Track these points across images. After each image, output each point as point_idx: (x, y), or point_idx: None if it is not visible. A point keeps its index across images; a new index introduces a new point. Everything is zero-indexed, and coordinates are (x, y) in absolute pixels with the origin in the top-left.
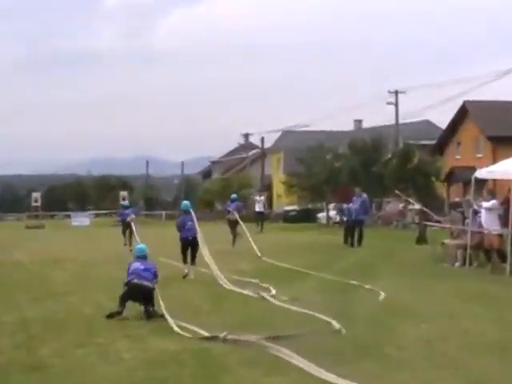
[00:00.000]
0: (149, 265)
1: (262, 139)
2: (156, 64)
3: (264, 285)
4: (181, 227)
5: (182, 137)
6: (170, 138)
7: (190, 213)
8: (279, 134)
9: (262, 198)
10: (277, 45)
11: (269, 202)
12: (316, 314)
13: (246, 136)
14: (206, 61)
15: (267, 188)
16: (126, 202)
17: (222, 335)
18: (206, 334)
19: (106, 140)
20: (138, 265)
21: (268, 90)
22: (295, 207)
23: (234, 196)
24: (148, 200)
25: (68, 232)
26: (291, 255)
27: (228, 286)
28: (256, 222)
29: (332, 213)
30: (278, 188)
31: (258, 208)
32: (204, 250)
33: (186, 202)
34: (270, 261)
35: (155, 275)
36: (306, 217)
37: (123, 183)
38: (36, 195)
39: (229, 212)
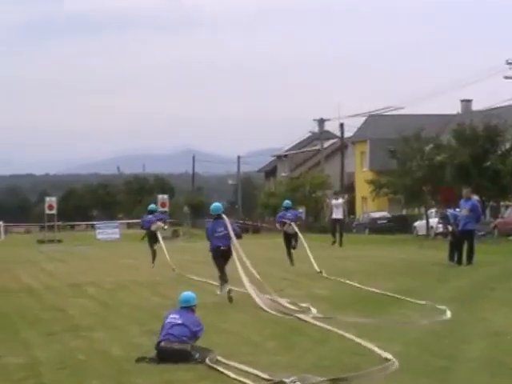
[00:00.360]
0: (189, 319)
1: (341, 126)
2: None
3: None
4: (210, 235)
5: (236, 126)
6: (221, 128)
7: (221, 217)
8: (363, 119)
9: (341, 201)
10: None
11: (350, 208)
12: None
13: (321, 122)
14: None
15: (348, 189)
16: (153, 206)
17: (289, 380)
18: (270, 378)
19: (136, 132)
20: (174, 317)
21: (348, 61)
22: (385, 214)
23: (288, 202)
24: (195, 206)
25: (92, 248)
26: (379, 276)
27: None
28: (332, 233)
29: (433, 221)
30: (363, 189)
31: (336, 215)
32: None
33: (217, 204)
34: (353, 284)
35: (194, 334)
36: (399, 226)
37: (161, 184)
38: (51, 200)
39: (284, 224)
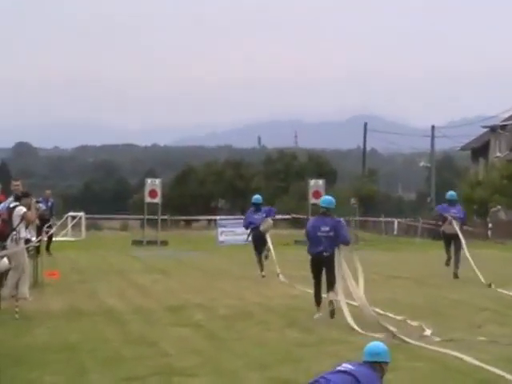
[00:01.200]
0: (365, 376)
1: None
2: None
3: None
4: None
5: (430, 83)
6: (406, 87)
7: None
8: None
9: None
10: None
11: None
12: None
13: None
14: None
15: None
16: (258, 197)
17: None
18: None
19: (282, 90)
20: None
21: None
22: None
23: (452, 194)
24: (365, 197)
25: (210, 255)
26: None
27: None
28: None
29: None
30: None
31: None
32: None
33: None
34: None
35: None
36: None
37: (317, 163)
38: (153, 184)
39: (444, 220)
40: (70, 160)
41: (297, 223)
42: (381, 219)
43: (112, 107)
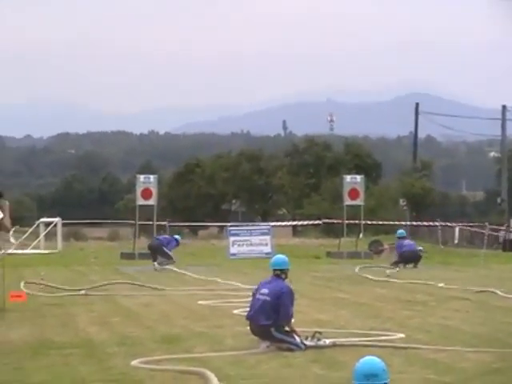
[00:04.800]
0: None
1: None
2: None
3: None
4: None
5: (491, 55)
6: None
7: (279, 276)
8: None
9: None
10: None
11: None
12: None
13: None
14: None
15: None
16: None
17: None
18: None
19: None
20: None
21: None
22: None
23: None
24: (415, 196)
25: (220, 270)
26: None
27: None
28: None
29: None
30: None
31: None
32: None
33: (279, 257)
34: None
35: None
36: None
37: (356, 155)
38: (147, 181)
39: None
40: (44, 152)
41: (329, 231)
42: (436, 224)
43: (99, 85)
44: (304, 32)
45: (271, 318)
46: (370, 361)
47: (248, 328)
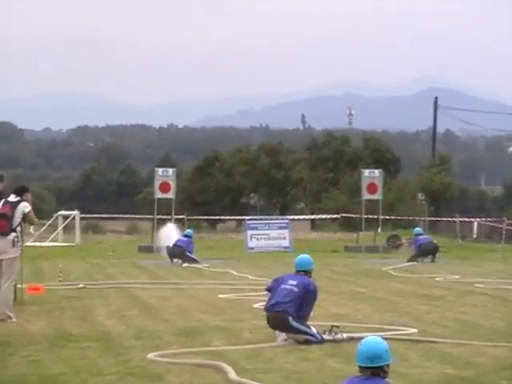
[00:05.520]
0: None
1: None
2: None
3: None
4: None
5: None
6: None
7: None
8: None
9: None
10: None
11: None
12: None
13: None
14: None
15: None
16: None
17: None
18: None
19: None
20: None
21: None
22: None
23: None
24: (435, 192)
25: (238, 264)
26: None
27: None
28: None
29: None
30: None
31: None
32: None
33: (303, 257)
34: None
35: None
36: None
37: (375, 149)
38: (165, 174)
39: None
40: (64, 145)
41: (348, 225)
42: (455, 219)
43: (117, 78)
44: (323, 25)
45: (294, 308)
46: (374, 341)
47: (265, 321)
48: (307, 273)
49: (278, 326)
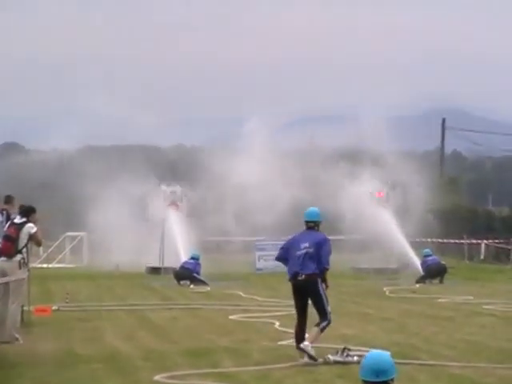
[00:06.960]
0: None
1: None
2: None
3: None
4: (283, 256)
5: None
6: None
7: (313, 228)
8: None
9: None
10: None
11: None
12: None
13: None
14: None
15: None
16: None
17: None
18: None
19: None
20: None
21: None
22: None
23: None
24: (443, 211)
25: (246, 285)
26: None
27: None
28: None
29: None
30: None
31: None
32: None
33: (312, 209)
34: None
35: None
36: None
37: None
38: (171, 190)
39: None
40: (71, 165)
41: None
42: (462, 241)
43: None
44: (328, 44)
45: (317, 267)
46: (379, 355)
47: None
48: (316, 224)
49: (307, 291)
